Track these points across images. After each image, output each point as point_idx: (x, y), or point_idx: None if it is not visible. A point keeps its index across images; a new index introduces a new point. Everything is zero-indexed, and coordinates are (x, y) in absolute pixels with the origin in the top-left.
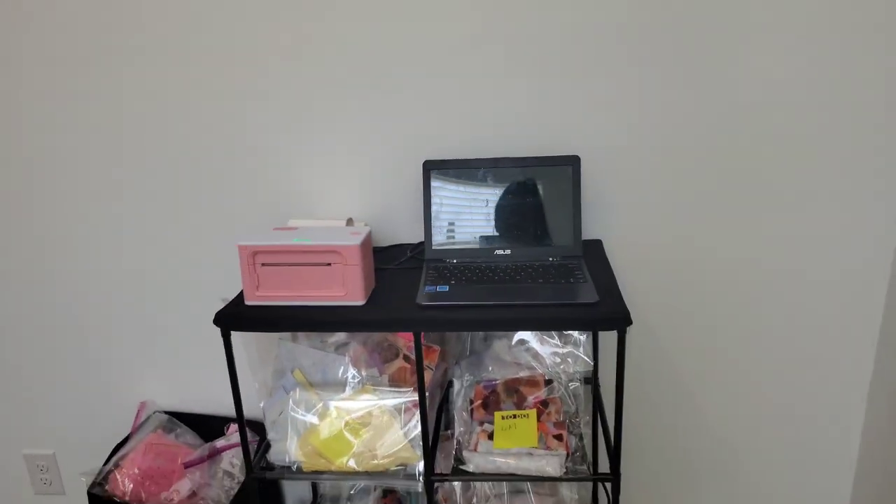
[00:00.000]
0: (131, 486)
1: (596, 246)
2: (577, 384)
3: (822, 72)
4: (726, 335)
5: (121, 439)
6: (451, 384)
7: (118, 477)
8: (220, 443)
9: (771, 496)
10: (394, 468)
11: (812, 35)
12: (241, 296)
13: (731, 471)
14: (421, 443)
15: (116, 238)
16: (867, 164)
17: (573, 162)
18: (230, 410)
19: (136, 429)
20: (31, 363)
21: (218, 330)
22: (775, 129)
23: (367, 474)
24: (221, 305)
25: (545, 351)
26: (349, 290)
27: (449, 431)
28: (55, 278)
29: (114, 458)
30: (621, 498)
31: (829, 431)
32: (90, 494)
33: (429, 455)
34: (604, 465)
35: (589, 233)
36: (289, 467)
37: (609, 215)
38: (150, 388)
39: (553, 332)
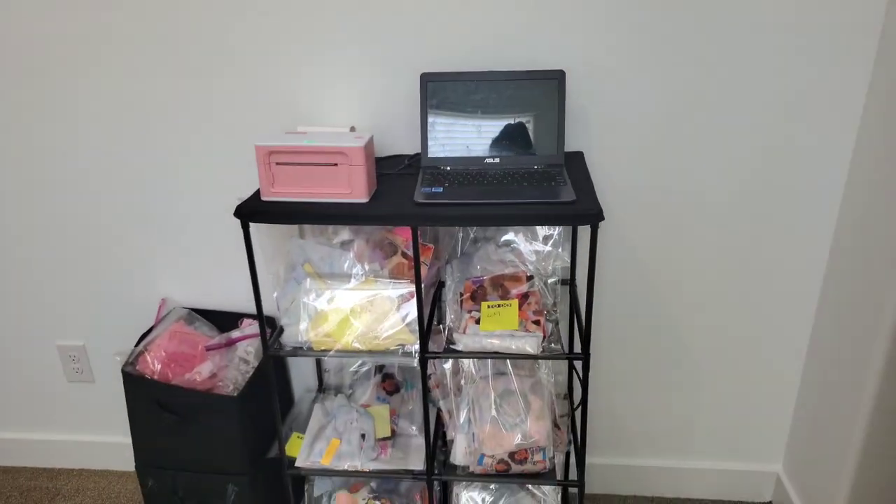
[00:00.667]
0: (159, 366)
1: (578, 157)
2: (556, 280)
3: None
4: (693, 237)
5: (144, 331)
6: (442, 284)
7: (148, 358)
8: (235, 334)
9: (721, 376)
10: (393, 347)
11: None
12: (256, 194)
13: (692, 354)
14: (415, 327)
15: (135, 146)
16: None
17: (559, 76)
18: (241, 307)
19: (160, 321)
20: (61, 263)
21: (230, 230)
22: (743, 59)
23: (370, 353)
24: (235, 204)
25: (527, 250)
26: (354, 188)
27: (440, 325)
28: (78, 181)
29: (142, 343)
30: (591, 382)
31: (779, 329)
32: (124, 373)
33: (423, 336)
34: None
35: (572, 145)
36: (300, 347)
37: (590, 129)
38: (169, 286)
39: (536, 235)
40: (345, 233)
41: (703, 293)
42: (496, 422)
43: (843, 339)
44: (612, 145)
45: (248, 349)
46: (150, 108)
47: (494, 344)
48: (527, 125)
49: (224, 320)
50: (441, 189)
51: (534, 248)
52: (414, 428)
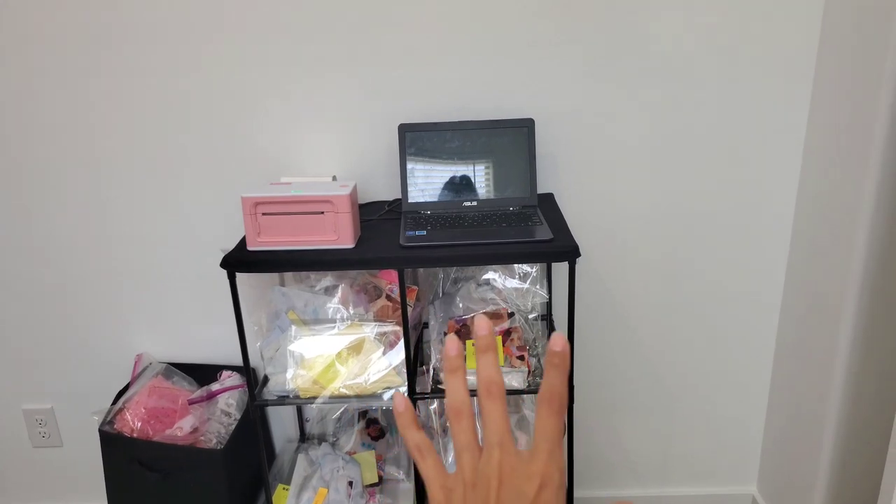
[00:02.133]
0: (139, 423)
1: (549, 198)
2: (536, 316)
3: (733, 39)
4: (660, 271)
5: (116, 389)
6: (426, 325)
7: (127, 416)
8: (215, 386)
9: (693, 404)
10: (380, 391)
11: (716, 12)
12: (242, 244)
13: (664, 382)
14: (402, 369)
15: (108, 196)
16: (780, 98)
17: (528, 124)
18: (220, 359)
19: (136, 377)
20: (27, 321)
21: (207, 282)
22: (695, 98)
23: (358, 397)
24: (212, 256)
25: (507, 288)
26: (340, 234)
27: (423, 367)
28: (49, 236)
29: (120, 401)
30: (574, 409)
31: (744, 354)
32: (101, 433)
33: (411, 376)
34: None
35: (543, 187)
36: (287, 395)
37: (559, 171)
38: (144, 341)
39: (515, 273)
40: (328, 278)
41: (673, 324)
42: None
43: (805, 362)
44: (580, 186)
45: (229, 401)
46: (122, 158)
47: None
48: (501, 170)
49: (202, 373)
50: (424, 232)
51: (513, 285)
52: (401, 473)
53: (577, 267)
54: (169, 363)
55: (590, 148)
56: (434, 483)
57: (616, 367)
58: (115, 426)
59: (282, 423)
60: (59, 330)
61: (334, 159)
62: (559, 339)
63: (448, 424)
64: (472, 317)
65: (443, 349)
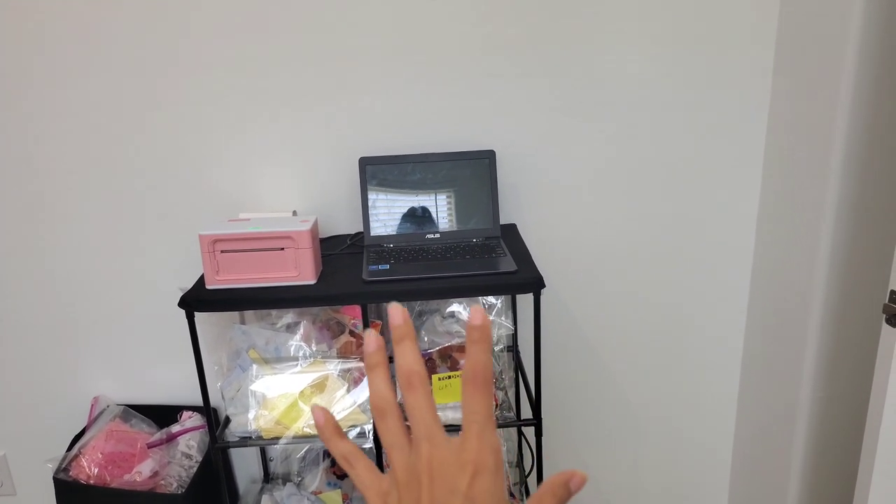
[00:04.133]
0: (96, 469)
1: (512, 229)
2: (502, 348)
3: (685, 72)
4: (622, 297)
5: (72, 434)
6: (391, 359)
7: (83, 462)
8: (175, 428)
9: (662, 432)
10: (345, 429)
11: (673, 41)
12: (200, 282)
13: (631, 410)
14: (368, 407)
15: (60, 237)
16: (734, 142)
17: (489, 156)
18: (180, 399)
19: (93, 420)
20: None
21: (165, 321)
22: (652, 126)
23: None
24: (167, 295)
25: None
26: (301, 270)
27: None
28: (1, 279)
29: (76, 446)
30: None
31: (710, 378)
32: (56, 480)
33: None
34: (526, 414)
35: (505, 218)
36: (249, 437)
37: (522, 202)
38: (101, 383)
39: (479, 305)
40: (289, 315)
41: (639, 352)
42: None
43: (771, 384)
44: (543, 216)
45: (190, 443)
46: (74, 196)
47: (448, 417)
48: (463, 202)
49: (162, 414)
50: (388, 266)
51: None
52: None
53: (542, 297)
54: (127, 405)
55: (551, 178)
56: (369, 490)
57: (583, 396)
58: (71, 473)
59: (245, 463)
60: (11, 373)
61: (294, 194)
62: (478, 313)
63: (373, 424)
64: (437, 350)
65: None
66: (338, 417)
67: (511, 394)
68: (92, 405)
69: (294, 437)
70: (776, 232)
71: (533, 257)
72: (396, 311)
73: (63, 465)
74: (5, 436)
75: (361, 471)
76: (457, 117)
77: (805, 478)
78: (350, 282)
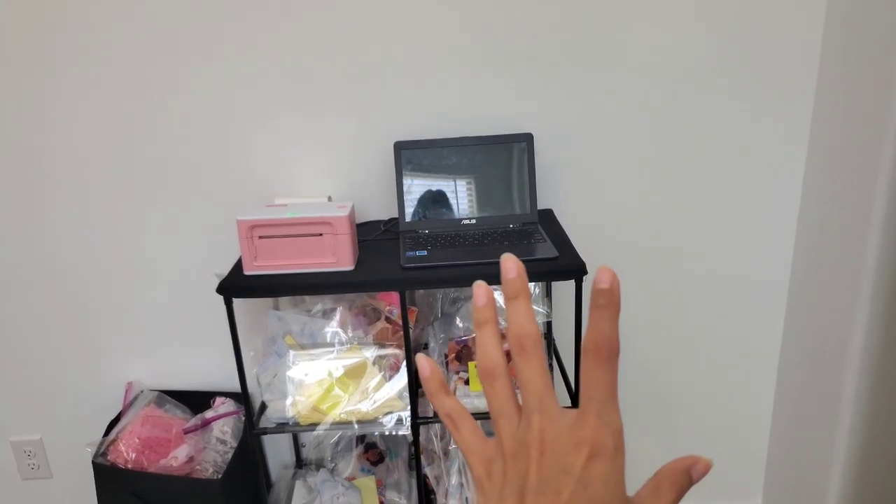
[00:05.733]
0: (133, 454)
1: (548, 214)
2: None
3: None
4: (662, 285)
5: (109, 419)
6: (426, 346)
7: (121, 447)
8: (209, 414)
9: (697, 416)
10: (382, 416)
11: (716, 24)
12: (237, 268)
13: (665, 396)
14: (405, 393)
15: (96, 221)
16: (773, 120)
17: (527, 139)
18: (213, 385)
19: (128, 406)
20: (13, 350)
21: (198, 307)
22: (694, 110)
23: (359, 423)
24: (201, 280)
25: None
26: (339, 257)
27: (423, 389)
28: (35, 263)
29: (113, 431)
30: None
31: (748, 365)
32: (95, 464)
33: (415, 400)
34: (563, 402)
35: (541, 203)
36: (286, 423)
37: (558, 187)
38: (134, 369)
39: None
40: (325, 301)
41: (675, 337)
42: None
43: (812, 372)
44: (580, 201)
45: (224, 429)
46: (109, 183)
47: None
48: (499, 186)
49: (195, 400)
50: (425, 252)
51: None
52: (402, 498)
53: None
54: (161, 391)
55: (589, 162)
56: (472, 455)
57: (622, 383)
58: (109, 458)
59: (277, 449)
60: (47, 359)
61: (328, 179)
62: (606, 274)
63: (481, 386)
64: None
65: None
66: (374, 405)
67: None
68: (126, 390)
69: (332, 424)
70: (821, 219)
71: None
72: (511, 264)
73: (101, 450)
74: (41, 420)
75: (466, 433)
76: (493, 100)
77: (846, 478)
78: (388, 268)
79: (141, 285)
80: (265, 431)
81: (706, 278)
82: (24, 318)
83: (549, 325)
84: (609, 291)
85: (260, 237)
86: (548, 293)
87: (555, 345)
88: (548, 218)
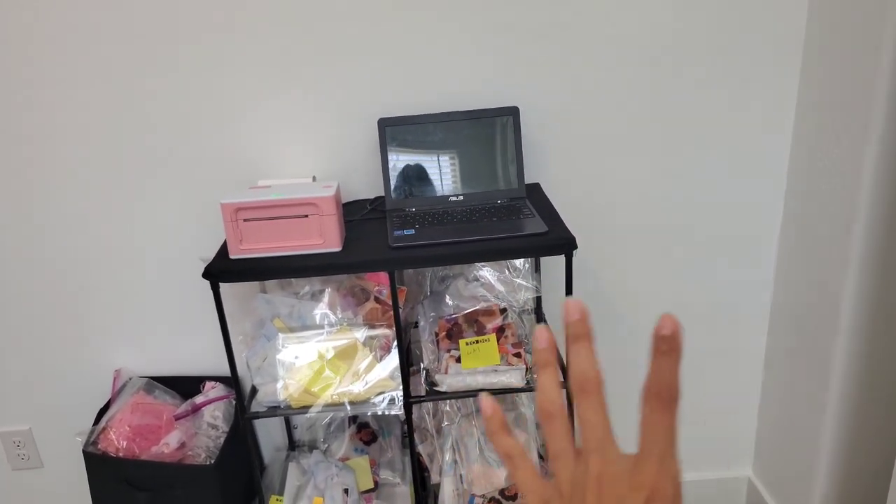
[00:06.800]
0: (124, 442)
1: (536, 188)
2: (528, 310)
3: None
4: (651, 259)
5: (98, 407)
6: (416, 324)
7: (111, 435)
8: (199, 399)
9: (687, 387)
10: (374, 396)
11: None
12: (222, 252)
13: None
14: (397, 373)
15: (79, 206)
16: (760, 97)
17: (513, 113)
18: (202, 370)
19: (117, 393)
20: (0, 342)
21: (185, 292)
22: (682, 79)
23: (351, 404)
24: (187, 264)
25: (497, 284)
26: (326, 238)
27: (414, 368)
28: (20, 253)
29: (102, 420)
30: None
31: (737, 333)
32: (86, 454)
33: (406, 379)
34: None
35: (529, 177)
36: (278, 406)
37: (546, 160)
38: (122, 356)
39: (504, 268)
40: (313, 283)
41: (663, 307)
42: (483, 459)
43: (802, 338)
44: (568, 175)
45: (215, 413)
46: (91, 165)
47: (479, 381)
48: (486, 162)
49: (184, 386)
50: (413, 231)
51: (503, 280)
52: (396, 477)
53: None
54: (149, 377)
55: (576, 134)
56: (531, 495)
57: (609, 365)
58: (100, 446)
59: (268, 432)
60: (34, 348)
61: (311, 159)
62: (669, 321)
63: (540, 428)
64: (463, 315)
65: (533, 339)
66: (365, 385)
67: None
68: (114, 378)
69: (324, 406)
70: (811, 179)
71: None
72: (575, 307)
73: (91, 439)
74: (30, 410)
75: (525, 473)
76: (477, 74)
77: (832, 475)
78: (376, 248)
79: (127, 271)
80: (257, 416)
81: (698, 248)
82: (10, 306)
83: (538, 300)
84: (671, 338)
85: (245, 220)
86: (537, 268)
87: (544, 319)
88: (536, 192)
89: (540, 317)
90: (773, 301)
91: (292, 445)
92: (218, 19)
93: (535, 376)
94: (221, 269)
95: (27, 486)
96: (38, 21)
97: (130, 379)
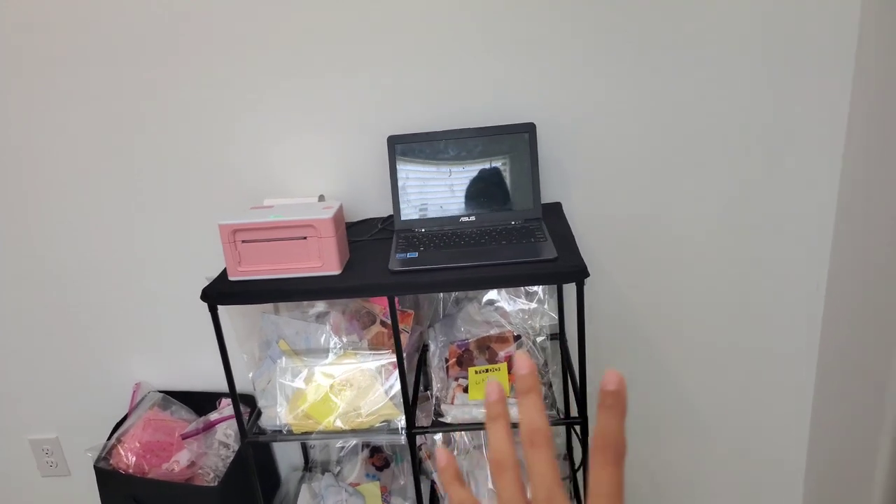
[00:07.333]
0: (134, 458)
1: (556, 208)
2: (545, 338)
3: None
4: (682, 282)
5: (119, 419)
6: (426, 347)
7: (121, 451)
8: (213, 416)
9: (725, 433)
10: (377, 425)
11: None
12: (224, 273)
13: (691, 403)
14: (401, 400)
15: (107, 223)
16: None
17: (529, 129)
18: (220, 386)
19: (134, 407)
20: (29, 353)
21: (203, 310)
22: (720, 88)
23: (353, 432)
24: (206, 284)
25: (513, 310)
26: (325, 260)
27: (428, 392)
28: (49, 263)
29: (115, 435)
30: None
31: (783, 376)
32: (96, 468)
33: (409, 409)
34: (574, 412)
35: (550, 196)
36: (280, 431)
37: (567, 178)
38: (143, 370)
39: (520, 292)
40: (320, 305)
41: (700, 340)
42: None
43: (853, 381)
44: (592, 193)
45: (227, 432)
46: (115, 186)
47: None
48: (500, 181)
49: (203, 401)
50: (416, 254)
51: (518, 306)
52: None
53: (593, 281)
54: (169, 391)
55: (601, 151)
56: None
57: (639, 391)
58: (111, 461)
59: (286, 450)
60: (62, 358)
61: (324, 176)
62: (613, 376)
63: (491, 478)
64: (474, 341)
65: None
66: (369, 413)
67: (558, 386)
68: (134, 391)
69: (325, 432)
70: (863, 211)
71: (580, 240)
72: (523, 361)
73: (103, 454)
74: (57, 419)
75: None
76: (493, 87)
77: (890, 492)
78: (377, 272)
79: (150, 286)
80: (258, 440)
81: (736, 275)
82: (39, 317)
83: (560, 324)
84: (616, 393)
85: (243, 241)
86: (559, 292)
87: (566, 347)
88: (555, 212)
89: (562, 342)
90: (822, 332)
91: (308, 466)
92: (229, 35)
93: (486, 427)
94: (219, 291)
95: (55, 494)
96: (43, 40)
97: (148, 394)
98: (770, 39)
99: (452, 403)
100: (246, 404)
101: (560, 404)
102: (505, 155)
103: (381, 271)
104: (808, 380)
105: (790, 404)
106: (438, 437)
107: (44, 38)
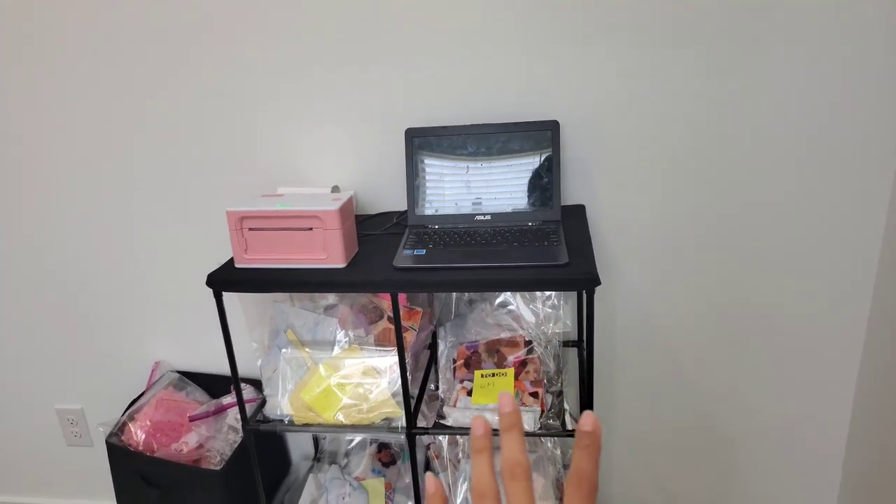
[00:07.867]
0: (143, 436)
1: (579, 210)
2: (557, 345)
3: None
4: (709, 290)
5: (134, 397)
6: (433, 346)
7: (132, 429)
8: (226, 400)
9: (751, 450)
10: (379, 422)
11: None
12: (231, 260)
13: (712, 417)
14: (401, 399)
15: (126, 210)
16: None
17: (552, 127)
18: (239, 370)
19: (150, 386)
20: (58, 327)
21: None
22: (757, 83)
23: (354, 427)
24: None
25: (526, 314)
26: (330, 253)
27: (437, 390)
28: (71, 244)
29: (128, 412)
30: (605, 459)
31: (817, 391)
32: (108, 444)
33: (410, 409)
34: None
35: (574, 198)
36: (281, 420)
37: (592, 179)
38: (163, 350)
39: (534, 296)
40: (330, 297)
41: (725, 352)
42: None
43: (892, 408)
44: (617, 197)
45: (238, 417)
46: (138, 171)
47: (487, 419)
48: (520, 180)
49: (218, 384)
50: (423, 251)
51: (532, 309)
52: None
53: (611, 289)
54: (188, 372)
55: (629, 152)
56: None
57: (662, 402)
58: (122, 437)
59: (298, 438)
60: (89, 333)
61: (343, 167)
62: (589, 418)
63: (459, 456)
64: (484, 343)
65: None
66: (370, 409)
67: (572, 397)
68: (153, 370)
69: (324, 426)
70: None
71: (603, 245)
72: (506, 400)
73: (115, 430)
74: (83, 391)
75: None
76: (516, 82)
77: None
78: (382, 267)
79: (173, 267)
80: (258, 429)
81: (767, 285)
82: (65, 292)
83: (579, 330)
84: (592, 434)
85: (250, 229)
86: (578, 297)
87: (584, 354)
88: (576, 215)
89: (581, 349)
90: (864, 347)
91: (317, 455)
92: (250, 22)
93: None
94: (224, 279)
95: (79, 462)
96: (52, 31)
97: (165, 373)
98: (813, 37)
99: (455, 406)
100: (259, 389)
101: (575, 412)
102: (525, 153)
103: (387, 268)
104: (845, 400)
105: (826, 420)
106: (444, 438)
107: (57, 24)
